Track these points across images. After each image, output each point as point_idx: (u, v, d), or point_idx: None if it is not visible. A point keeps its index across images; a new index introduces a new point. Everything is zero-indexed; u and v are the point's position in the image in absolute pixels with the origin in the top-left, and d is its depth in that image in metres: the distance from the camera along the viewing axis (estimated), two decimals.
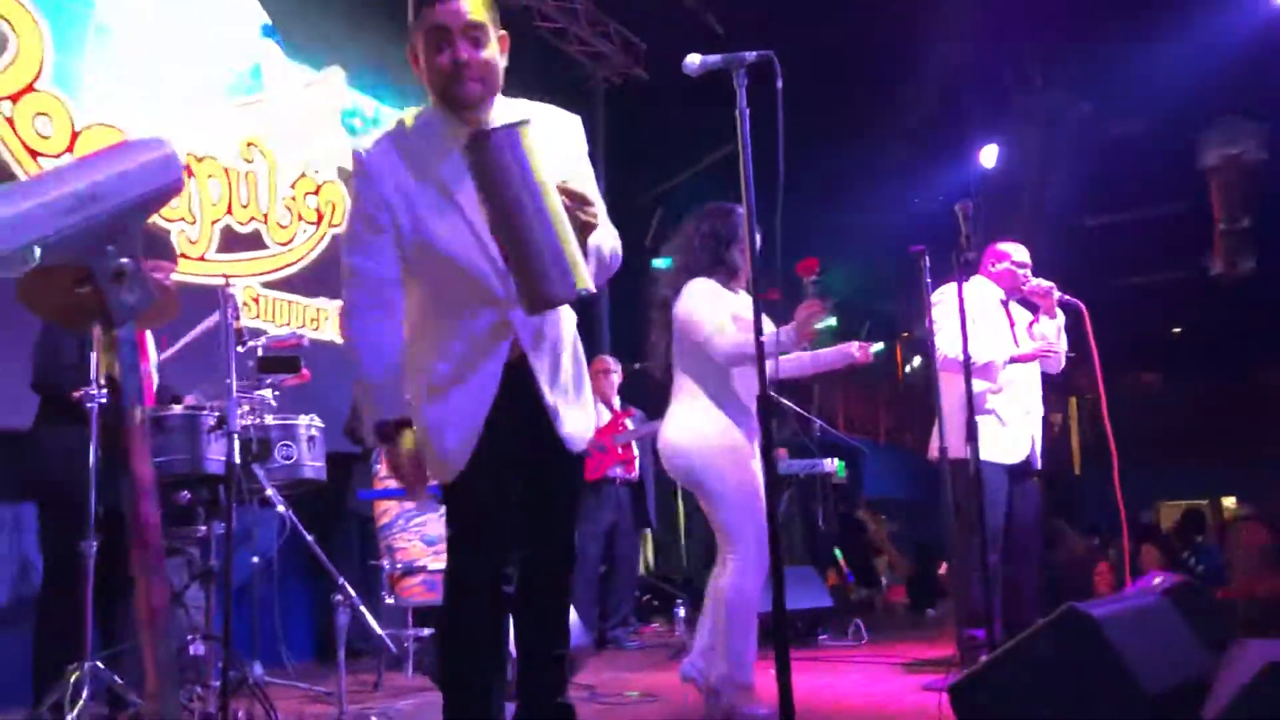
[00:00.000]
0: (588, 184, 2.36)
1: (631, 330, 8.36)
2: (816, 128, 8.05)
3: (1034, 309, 4.67)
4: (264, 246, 5.84)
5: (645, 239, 9.05)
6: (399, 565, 4.93)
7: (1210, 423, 15.93)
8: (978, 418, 4.32)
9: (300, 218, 6.06)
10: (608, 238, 2.44)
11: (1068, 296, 4.57)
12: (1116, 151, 8.70)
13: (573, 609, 3.17)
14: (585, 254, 2.25)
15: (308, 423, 4.05)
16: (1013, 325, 4.63)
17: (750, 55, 2.58)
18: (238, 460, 3.32)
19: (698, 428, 3.49)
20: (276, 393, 3.98)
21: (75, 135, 4.86)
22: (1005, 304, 4.68)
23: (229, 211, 5.63)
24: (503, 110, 2.39)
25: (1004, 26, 8.14)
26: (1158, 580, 3.59)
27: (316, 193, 6.18)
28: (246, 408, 3.86)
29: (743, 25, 6.33)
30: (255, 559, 4.61)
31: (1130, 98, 8.15)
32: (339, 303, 5.98)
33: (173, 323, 4.03)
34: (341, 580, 3.89)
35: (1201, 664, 2.72)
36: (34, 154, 4.69)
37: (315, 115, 6.24)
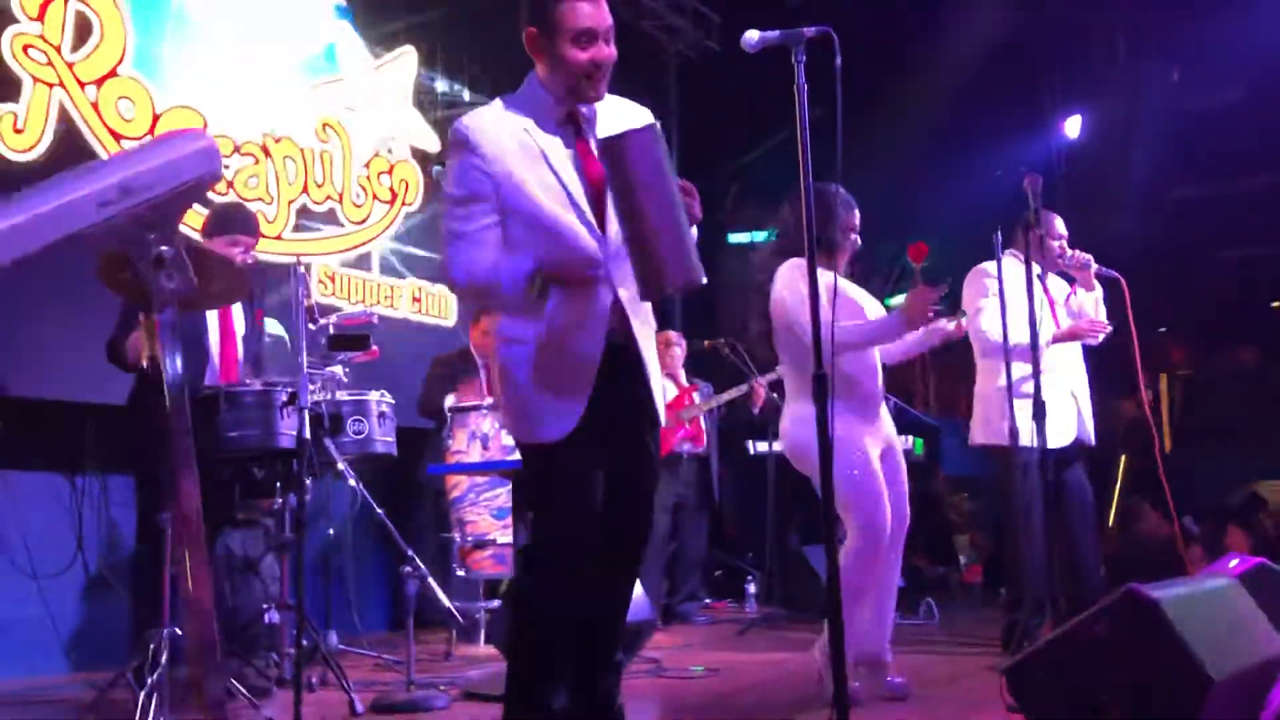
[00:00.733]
0: None
1: (702, 306, 8.39)
2: (895, 100, 7.95)
3: (1070, 281, 4.56)
4: (339, 225, 5.96)
5: (720, 215, 9.02)
6: (469, 538, 5.03)
7: None
8: (1019, 402, 4.29)
9: (375, 197, 6.16)
10: None
11: (1106, 269, 4.44)
12: (1206, 122, 8.41)
13: (638, 583, 3.20)
14: None
15: (378, 398, 4.13)
16: (1052, 303, 4.52)
17: (809, 30, 2.56)
18: (309, 435, 3.41)
19: (803, 415, 3.43)
20: (348, 369, 4.07)
21: (156, 118, 5.00)
22: (1042, 279, 4.57)
23: (305, 191, 5.75)
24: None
25: None
26: (1233, 563, 3.51)
27: (390, 172, 6.28)
28: (319, 384, 3.96)
29: None
30: (330, 531, 4.76)
31: (1220, 66, 7.87)
32: (412, 280, 6.08)
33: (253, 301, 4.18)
34: (410, 552, 3.98)
35: (1274, 648, 2.66)
36: (117, 136, 4.84)
37: (388, 95, 6.33)
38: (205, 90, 5.25)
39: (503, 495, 4.85)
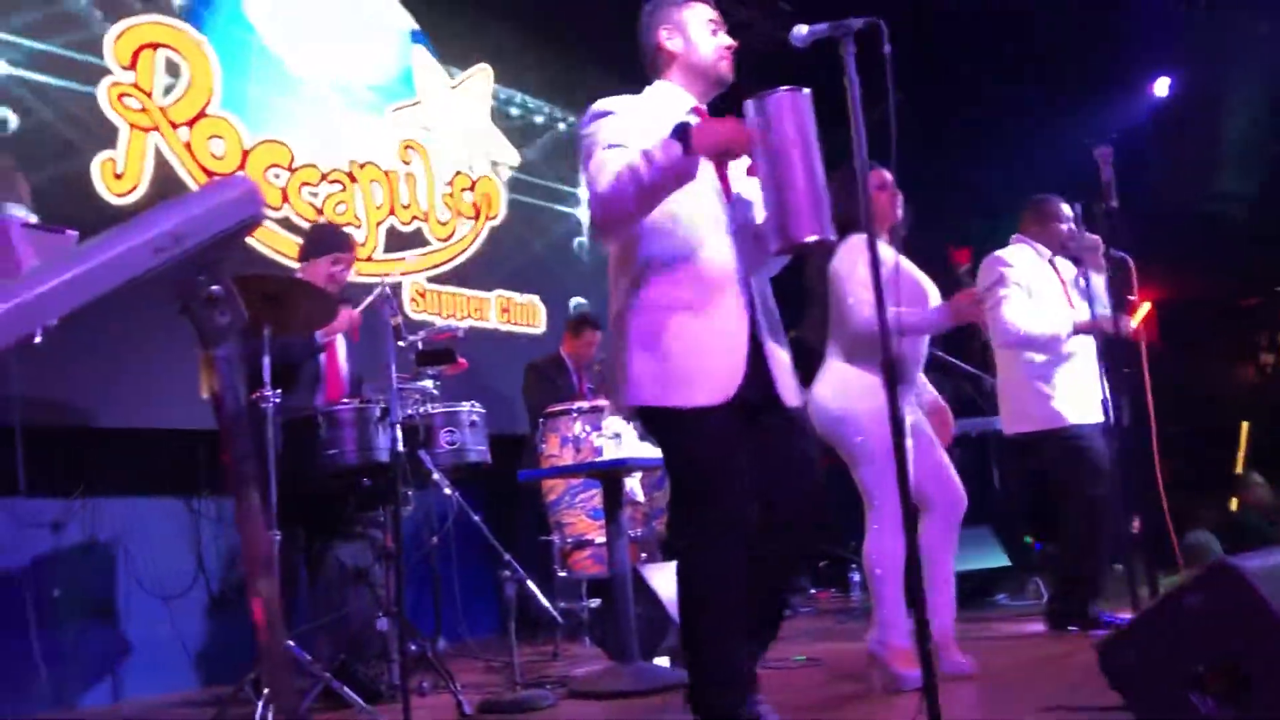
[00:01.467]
0: None
1: (786, 298, 8.34)
2: (976, 71, 7.82)
3: (1078, 263, 4.45)
4: (426, 243, 6.13)
5: None
6: (568, 540, 5.13)
7: None
8: (1045, 388, 4.24)
9: (458, 213, 6.32)
10: None
11: (1115, 250, 4.33)
12: None
13: None
14: None
15: (469, 408, 4.25)
16: (1065, 287, 4.44)
17: (857, 22, 2.57)
18: (402, 448, 3.53)
19: (842, 384, 3.46)
20: (438, 382, 4.20)
21: (246, 154, 5.22)
22: (1052, 262, 4.48)
23: (392, 212, 5.93)
24: None
25: None
26: None
27: (472, 188, 6.43)
28: (412, 398, 4.10)
29: None
30: (434, 539, 4.90)
31: None
32: (499, 291, 6.19)
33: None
34: (508, 556, 4.08)
35: None
36: (210, 174, 5.06)
37: (466, 113, 6.49)
38: (289, 123, 5.46)
39: (597, 496, 4.93)
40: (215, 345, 1.10)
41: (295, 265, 4.39)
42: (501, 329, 6.46)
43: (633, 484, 4.69)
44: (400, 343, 3.83)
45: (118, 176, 4.73)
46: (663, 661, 4.12)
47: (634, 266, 2.57)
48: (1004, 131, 8.05)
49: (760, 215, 2.59)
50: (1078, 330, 4.29)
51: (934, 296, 3.65)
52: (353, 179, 5.73)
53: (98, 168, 4.67)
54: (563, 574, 5.18)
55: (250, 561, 1.11)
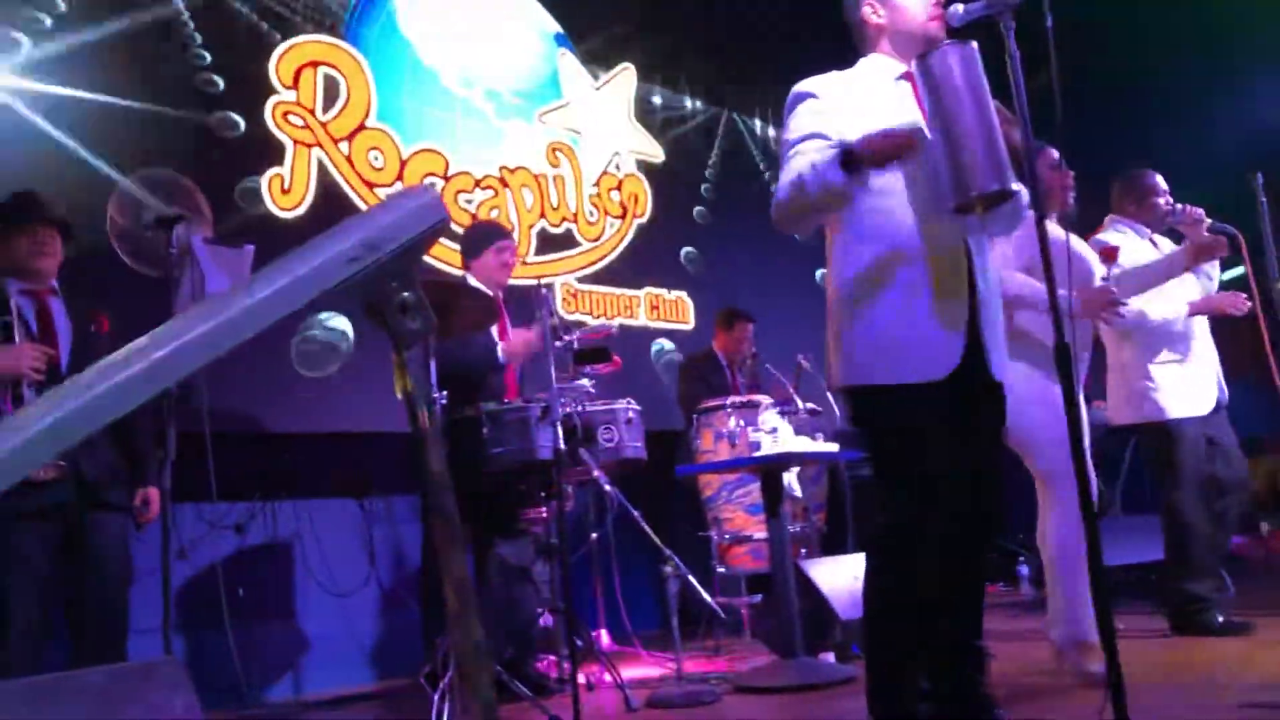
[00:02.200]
0: None
1: None
2: (1164, 42, 7.49)
3: (1180, 239, 4.16)
4: (576, 244, 6.20)
5: None
6: (726, 535, 5.12)
7: None
8: (1160, 370, 4.02)
9: (606, 213, 6.38)
10: None
11: (1220, 224, 4.04)
12: None
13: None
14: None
15: (625, 405, 4.28)
16: None
17: None
18: (563, 446, 3.59)
19: (1025, 368, 3.33)
20: (594, 381, 4.24)
21: (403, 163, 5.39)
22: (1153, 241, 4.20)
23: (542, 215, 6.03)
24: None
25: None
26: None
27: (619, 187, 6.49)
28: (570, 396, 4.15)
29: None
30: (594, 536, 4.96)
31: None
32: (648, 289, 6.21)
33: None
34: (668, 551, 4.09)
35: None
36: (370, 185, 5.25)
37: (611, 113, 6.55)
38: (444, 132, 5.61)
39: (754, 491, 4.91)
40: (407, 350, 1.13)
41: (459, 271, 4.50)
42: (651, 325, 6.50)
43: (790, 478, 4.64)
44: (557, 343, 3.89)
45: (285, 191, 4.95)
46: (828, 657, 4.07)
47: (847, 240, 2.51)
48: (1172, 105, 7.69)
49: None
50: (1193, 311, 4.07)
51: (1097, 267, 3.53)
52: (504, 184, 5.85)
53: (266, 183, 4.89)
54: (721, 569, 5.17)
55: (445, 557, 1.13)
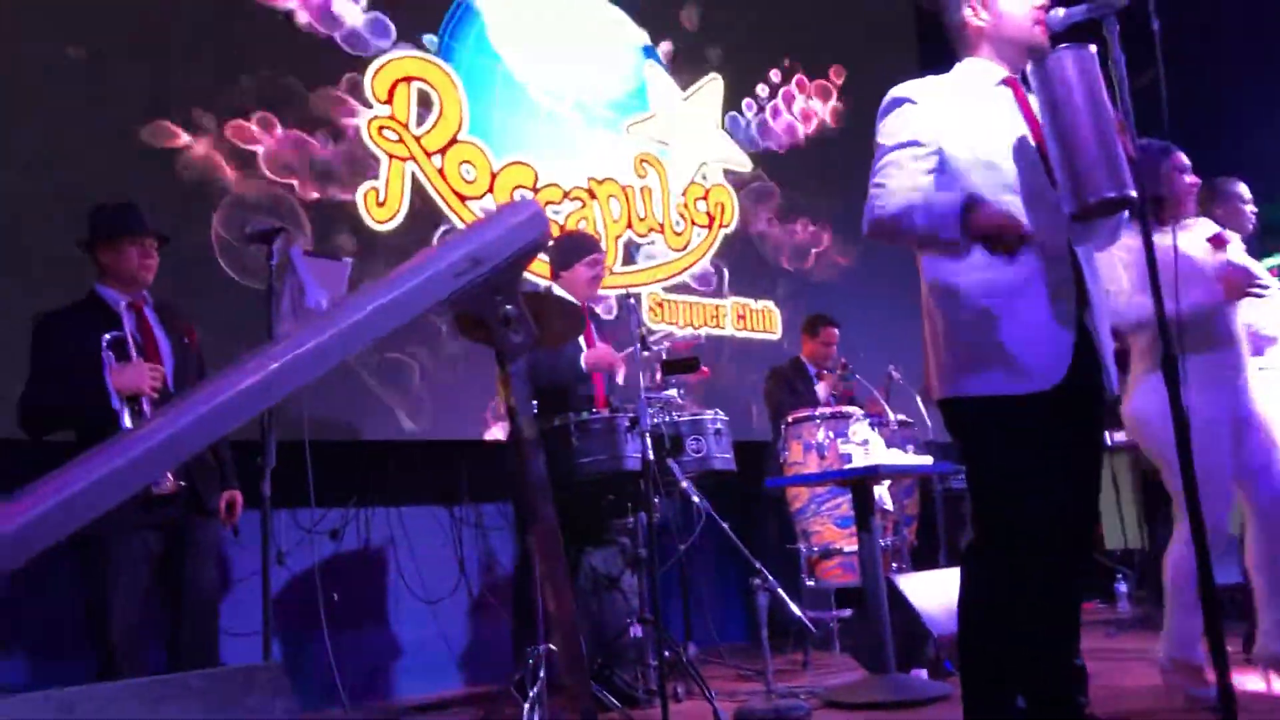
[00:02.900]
0: None
1: None
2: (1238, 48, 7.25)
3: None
4: (663, 254, 6.21)
5: None
6: (815, 548, 5.07)
7: None
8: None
9: (692, 223, 6.38)
10: None
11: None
12: None
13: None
14: None
15: (713, 416, 4.26)
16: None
17: (1122, 0, 2.42)
18: (652, 456, 3.59)
19: (1147, 392, 3.25)
20: (682, 391, 4.24)
21: (494, 176, 5.46)
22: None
23: (629, 226, 6.05)
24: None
25: None
26: None
27: (705, 197, 6.48)
28: (658, 406, 4.15)
29: None
30: (682, 547, 4.95)
31: None
32: (734, 298, 6.19)
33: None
34: (758, 564, 4.06)
35: None
36: (462, 198, 5.32)
37: (698, 123, 6.55)
38: (533, 144, 5.67)
39: (844, 504, 4.85)
40: (511, 362, 1.14)
41: (547, 282, 4.53)
42: (738, 335, 6.47)
43: (881, 491, 4.58)
44: (645, 353, 3.89)
45: (380, 204, 5.04)
46: (920, 673, 4.00)
47: (945, 245, 2.42)
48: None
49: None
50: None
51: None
52: (592, 195, 5.89)
53: (362, 197, 4.99)
54: (810, 583, 5.12)
55: (548, 566, 1.14)
